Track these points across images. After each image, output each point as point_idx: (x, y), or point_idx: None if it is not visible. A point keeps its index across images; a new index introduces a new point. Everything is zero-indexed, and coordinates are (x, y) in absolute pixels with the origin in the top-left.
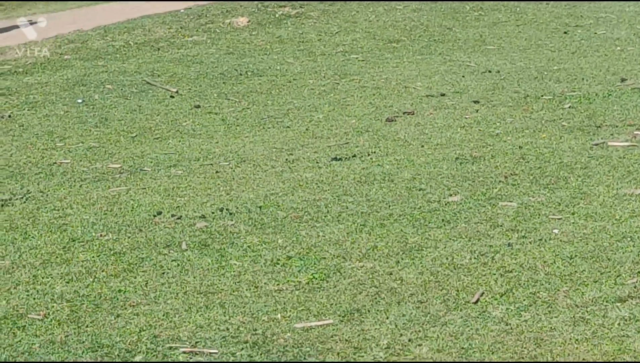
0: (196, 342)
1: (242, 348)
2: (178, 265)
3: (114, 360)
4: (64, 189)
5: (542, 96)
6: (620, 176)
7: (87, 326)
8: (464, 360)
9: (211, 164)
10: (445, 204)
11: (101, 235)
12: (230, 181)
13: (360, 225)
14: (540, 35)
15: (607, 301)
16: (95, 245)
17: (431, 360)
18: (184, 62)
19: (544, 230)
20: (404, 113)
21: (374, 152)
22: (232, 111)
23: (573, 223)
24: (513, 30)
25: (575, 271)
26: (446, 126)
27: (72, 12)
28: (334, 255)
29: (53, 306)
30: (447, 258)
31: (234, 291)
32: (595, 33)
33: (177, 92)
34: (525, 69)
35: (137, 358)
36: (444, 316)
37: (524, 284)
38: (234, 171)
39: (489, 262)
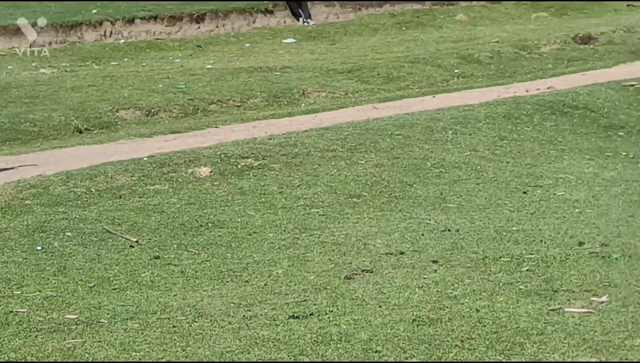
0: None
1: None
2: None
3: None
4: (19, 339)
5: (500, 257)
6: (576, 344)
7: None
8: None
9: (168, 318)
10: None
11: None
12: (187, 337)
13: None
14: (500, 195)
15: None
16: None
17: None
18: (145, 211)
19: None
20: (362, 271)
21: (332, 311)
22: (191, 262)
23: None
24: (473, 188)
25: None
26: (404, 286)
27: (36, 155)
28: None
29: None
30: None
31: None
32: (554, 194)
33: (137, 242)
34: (484, 229)
35: None
36: None
37: None
38: (190, 326)
39: None
